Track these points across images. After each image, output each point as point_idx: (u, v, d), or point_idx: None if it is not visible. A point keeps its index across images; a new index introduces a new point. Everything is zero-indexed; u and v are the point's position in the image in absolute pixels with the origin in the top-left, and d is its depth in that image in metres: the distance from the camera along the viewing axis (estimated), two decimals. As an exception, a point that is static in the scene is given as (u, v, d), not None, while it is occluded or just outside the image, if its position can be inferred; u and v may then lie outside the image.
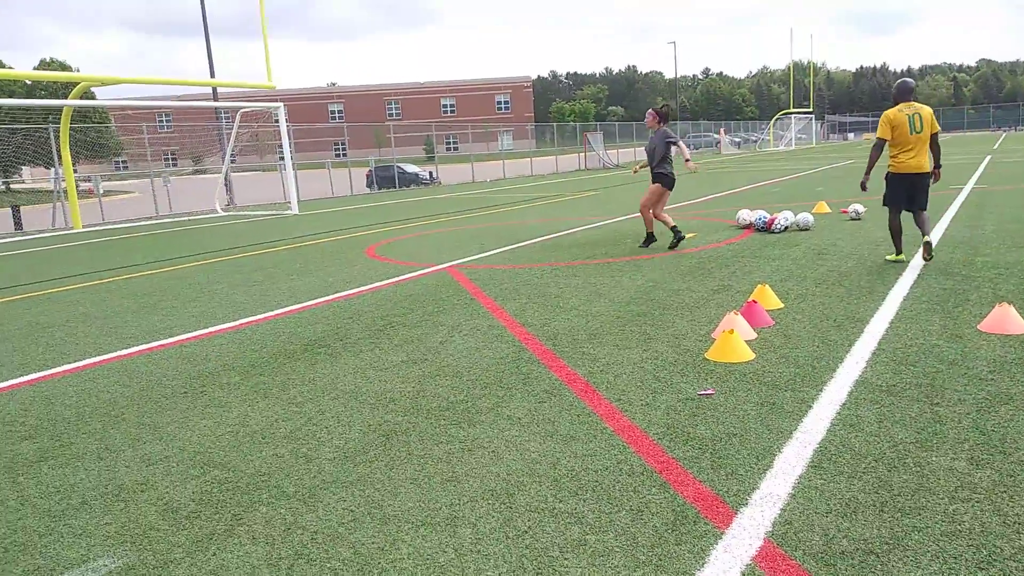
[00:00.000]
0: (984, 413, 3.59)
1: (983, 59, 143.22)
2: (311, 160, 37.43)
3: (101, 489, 3.37)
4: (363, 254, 10.87)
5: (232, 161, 22.81)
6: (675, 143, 9.54)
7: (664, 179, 9.66)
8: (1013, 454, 3.15)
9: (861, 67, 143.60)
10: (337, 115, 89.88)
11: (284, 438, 3.84)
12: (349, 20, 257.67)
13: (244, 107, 21.24)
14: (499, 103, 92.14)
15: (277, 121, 20.94)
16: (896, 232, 7.52)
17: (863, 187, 7.77)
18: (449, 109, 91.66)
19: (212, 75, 24.62)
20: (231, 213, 22.21)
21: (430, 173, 36.37)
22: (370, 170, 34.63)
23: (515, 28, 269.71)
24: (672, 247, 9.28)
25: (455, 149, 67.68)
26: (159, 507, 3.16)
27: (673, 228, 9.37)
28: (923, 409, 3.69)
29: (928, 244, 7.20)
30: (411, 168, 36.37)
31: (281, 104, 20.52)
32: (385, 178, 34.19)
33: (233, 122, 22.89)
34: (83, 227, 19.07)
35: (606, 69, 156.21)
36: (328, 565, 2.63)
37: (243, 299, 7.76)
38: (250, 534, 2.88)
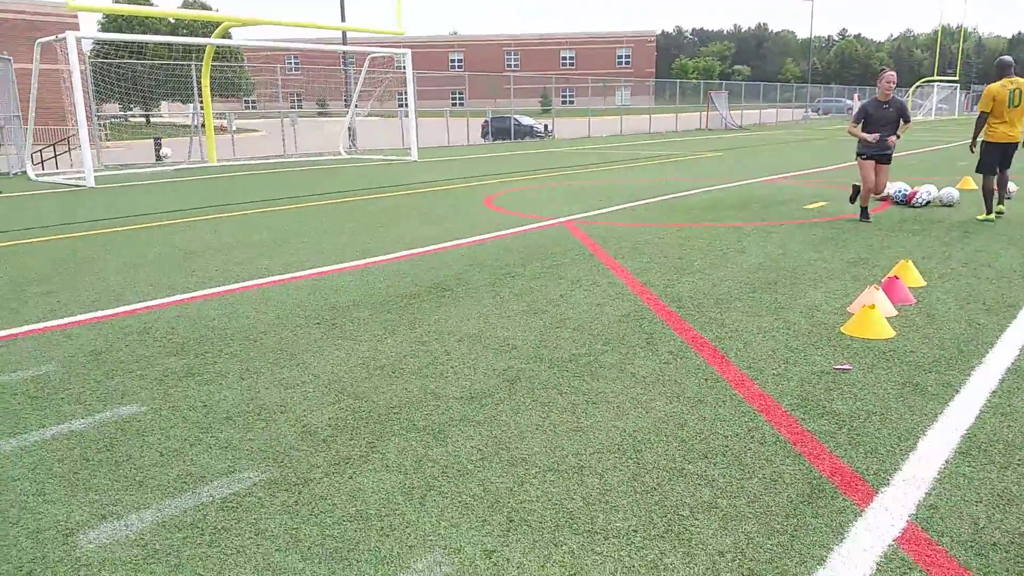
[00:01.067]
0: None
1: None
2: (429, 108, 37.91)
3: (243, 407, 3.58)
4: (481, 203, 10.96)
5: (358, 106, 23.38)
6: (907, 120, 8.36)
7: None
8: None
9: (1020, 33, 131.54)
10: (457, 64, 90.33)
11: (412, 374, 3.95)
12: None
13: (373, 52, 21.62)
14: (620, 57, 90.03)
15: (401, 67, 21.20)
16: (988, 194, 8.56)
17: (971, 150, 8.79)
18: (568, 62, 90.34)
19: (343, 19, 25.14)
20: (354, 156, 22.84)
21: (545, 126, 36.13)
22: (486, 120, 34.71)
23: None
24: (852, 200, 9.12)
25: (571, 103, 66.86)
26: (297, 428, 3.33)
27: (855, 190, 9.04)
28: (1088, 405, 3.41)
29: (1000, 212, 8.74)
30: (527, 120, 36.20)
31: (408, 51, 20.76)
32: (500, 129, 34.22)
33: (358, 67, 23.37)
34: (217, 161, 20.08)
35: (734, 26, 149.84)
36: (459, 499, 2.70)
37: (368, 239, 7.99)
38: (383, 462, 2.99)
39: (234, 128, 25.09)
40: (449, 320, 4.92)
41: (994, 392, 3.59)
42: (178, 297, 5.66)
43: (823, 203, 10.15)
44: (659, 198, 11.11)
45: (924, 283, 5.62)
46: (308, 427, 3.34)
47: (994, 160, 8.44)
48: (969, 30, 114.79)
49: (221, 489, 2.80)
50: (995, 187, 8.55)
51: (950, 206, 9.72)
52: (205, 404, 3.62)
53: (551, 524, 2.54)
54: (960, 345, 4.27)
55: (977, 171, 8.63)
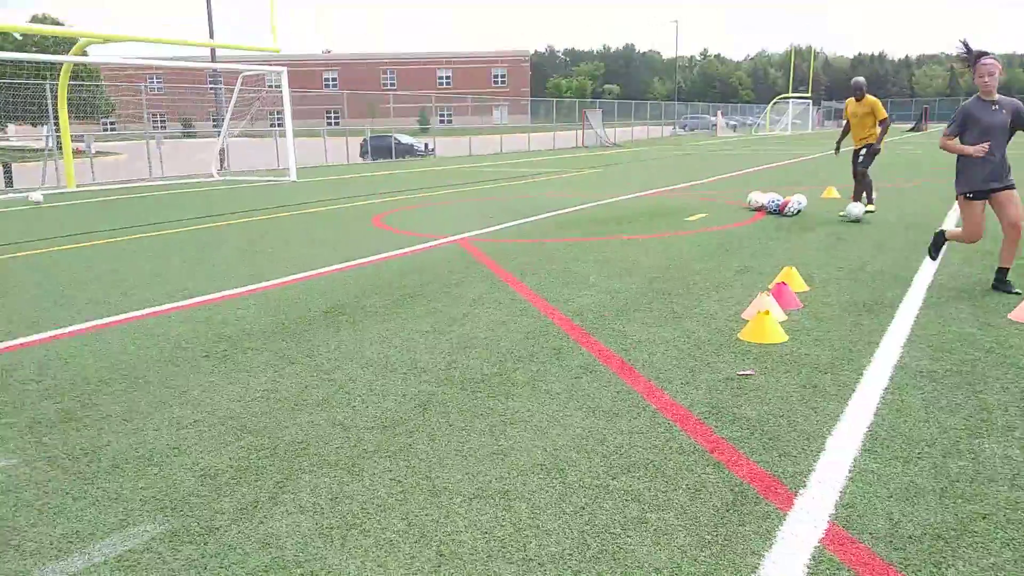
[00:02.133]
0: (1031, 402, 3.56)
1: (979, 50, 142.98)
2: (304, 127, 36.99)
3: (131, 453, 3.27)
4: (370, 223, 10.72)
5: (232, 126, 22.45)
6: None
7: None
8: (1069, 444, 3.11)
9: (859, 54, 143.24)
10: (331, 82, 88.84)
11: (317, 406, 3.75)
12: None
13: (246, 70, 20.87)
14: (496, 77, 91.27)
15: (274, 86, 20.55)
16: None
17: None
18: (446, 81, 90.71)
19: (211, 35, 24.16)
20: (227, 178, 21.90)
21: (426, 144, 36.05)
22: (365, 139, 34.23)
23: (514, 1, 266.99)
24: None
25: (450, 122, 67.10)
26: (196, 473, 3.07)
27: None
28: (968, 396, 3.65)
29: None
30: (407, 139, 36.02)
31: (284, 69, 20.16)
32: (380, 148, 33.83)
33: (228, 85, 22.50)
34: (76, 186, 18.74)
35: (604, 46, 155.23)
36: (383, 536, 2.55)
37: (253, 264, 7.62)
38: (296, 503, 2.80)
39: (93, 151, 23.52)
40: (350, 345, 4.73)
41: (886, 389, 3.78)
42: (46, 334, 5.17)
43: (704, 215, 10.57)
44: (548, 214, 11.24)
45: (808, 288, 5.91)
46: (207, 470, 3.08)
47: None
48: (817, 50, 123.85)
49: (114, 546, 2.53)
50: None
51: (857, 222, 9.72)
52: (87, 452, 3.29)
53: (483, 555, 2.44)
54: (848, 346, 4.49)
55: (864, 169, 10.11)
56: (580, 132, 44.84)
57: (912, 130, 58.03)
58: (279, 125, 24.23)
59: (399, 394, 3.87)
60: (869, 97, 9.84)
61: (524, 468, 3.02)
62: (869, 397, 3.68)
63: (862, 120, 9.92)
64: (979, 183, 5.58)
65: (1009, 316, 4.97)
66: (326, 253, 8.15)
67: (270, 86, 25.32)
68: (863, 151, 10.00)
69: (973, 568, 2.31)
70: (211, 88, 26.98)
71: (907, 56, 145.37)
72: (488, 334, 4.89)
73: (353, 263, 7.51)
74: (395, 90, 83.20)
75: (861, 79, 10.16)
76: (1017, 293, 5.55)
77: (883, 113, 9.90)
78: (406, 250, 8.21)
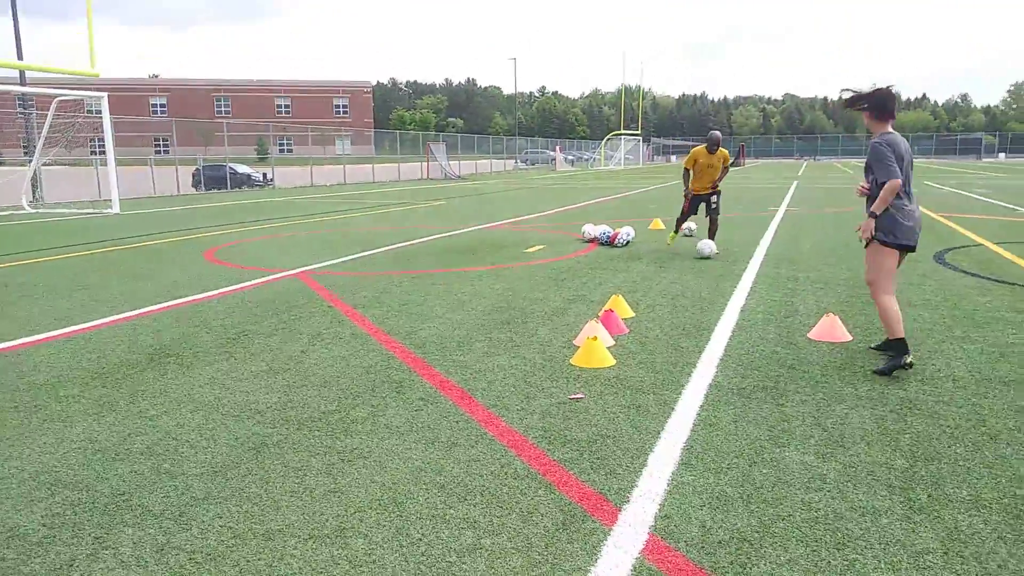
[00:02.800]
0: (823, 412, 3.99)
1: (788, 93, 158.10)
2: (129, 156, 34.79)
3: (-77, 517, 2.96)
4: (202, 257, 10.25)
5: (45, 153, 20.70)
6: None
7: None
8: (851, 448, 3.52)
9: (684, 95, 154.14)
10: (159, 109, 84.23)
11: (141, 454, 3.56)
12: (173, 5, 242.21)
13: (62, 95, 19.38)
14: (337, 107, 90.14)
15: (94, 112, 19.25)
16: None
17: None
18: (284, 109, 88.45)
19: (20, 57, 22.27)
20: (41, 210, 20.16)
21: (264, 174, 34.91)
22: (198, 168, 32.67)
23: (355, 32, 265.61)
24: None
25: (290, 151, 65.40)
26: (2, 533, 2.83)
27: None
28: (772, 409, 4.04)
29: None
30: (243, 168, 34.73)
31: (104, 94, 18.91)
32: (215, 178, 32.42)
33: (40, 110, 20.79)
34: None
35: (446, 80, 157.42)
36: (213, 585, 2.47)
37: (70, 304, 7.08)
38: (117, 558, 2.65)
39: None
40: (178, 389, 4.51)
41: (701, 406, 4.11)
42: None
43: (541, 246, 10.97)
44: (392, 246, 11.23)
45: (633, 313, 6.30)
46: (16, 530, 2.85)
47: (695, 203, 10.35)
48: (645, 90, 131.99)
49: (-101, 625, 2.29)
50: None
51: (708, 258, 10.22)
52: None
53: (319, 595, 2.42)
54: (669, 367, 4.83)
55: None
56: (425, 164, 45.12)
57: (732, 165, 62.85)
58: (100, 152, 22.67)
59: (231, 438, 3.75)
60: (722, 150, 10.18)
61: (362, 505, 3.02)
62: (686, 414, 3.98)
63: (714, 170, 10.17)
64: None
65: (808, 335, 5.54)
66: (153, 290, 7.72)
67: (89, 111, 23.70)
68: (714, 197, 10.21)
69: (773, 566, 2.57)
70: (21, 114, 24.79)
71: (725, 97, 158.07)
72: (327, 370, 4.83)
73: (182, 300, 7.16)
74: (230, 117, 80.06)
75: (717, 133, 10.47)
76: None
77: (729, 160, 10.40)
78: (241, 285, 7.93)
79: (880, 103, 4.57)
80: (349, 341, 5.56)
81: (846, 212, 16.52)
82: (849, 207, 17.86)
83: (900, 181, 4.46)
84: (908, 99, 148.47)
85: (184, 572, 2.55)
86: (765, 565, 2.57)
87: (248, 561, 2.62)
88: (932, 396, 4.21)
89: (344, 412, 4.07)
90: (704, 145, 10.14)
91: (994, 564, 2.55)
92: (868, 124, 4.65)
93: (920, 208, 4.47)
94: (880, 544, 2.69)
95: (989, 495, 3.05)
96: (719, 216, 10.34)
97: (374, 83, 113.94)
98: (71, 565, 2.61)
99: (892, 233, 4.54)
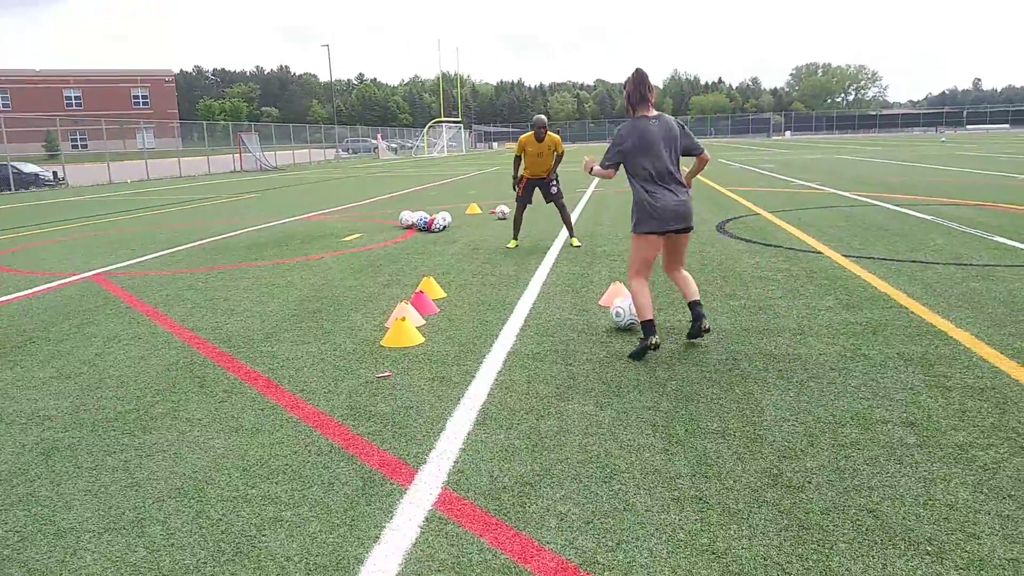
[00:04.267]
0: (605, 368, 4.43)
1: (599, 79, 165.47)
2: None
3: None
4: (-20, 266, 9.36)
5: None
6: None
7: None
8: (625, 396, 3.96)
9: (502, 81, 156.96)
10: (-82, 103, 74.22)
11: (-90, 472, 3.33)
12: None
13: None
14: (136, 98, 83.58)
15: None
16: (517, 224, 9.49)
17: (514, 188, 9.43)
18: (75, 101, 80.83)
19: None
20: None
21: (55, 173, 31.94)
22: (-27, 169, 29.32)
23: (151, 17, 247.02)
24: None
25: (84, 147, 60.02)
26: None
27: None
28: (561, 369, 4.43)
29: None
30: (29, 167, 31.58)
31: None
32: (-5, 179, 29.25)
33: None
34: None
35: (257, 68, 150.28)
36: (-4, 589, 2.43)
37: None
38: None
39: None
40: (-46, 402, 4.21)
41: (499, 371, 4.42)
42: None
43: (359, 235, 10.99)
44: (200, 242, 10.79)
45: (445, 294, 6.55)
46: None
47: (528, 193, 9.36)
48: (465, 77, 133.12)
49: None
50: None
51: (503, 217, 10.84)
52: None
53: (113, 582, 2.45)
54: (473, 340, 5.13)
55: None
56: (237, 156, 43.10)
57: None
58: None
59: (18, 446, 3.59)
60: (552, 135, 9.23)
61: (160, 495, 3.04)
62: (485, 380, 4.28)
63: (545, 157, 9.25)
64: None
65: (599, 302, 6.04)
66: (-80, 304, 6.99)
67: None
68: (553, 183, 9.36)
69: (549, 502, 2.89)
70: None
71: (541, 83, 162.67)
72: (125, 371, 4.69)
73: (-42, 312, 6.57)
74: (11, 112, 72.12)
75: (542, 117, 9.50)
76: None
77: (562, 148, 9.41)
78: (25, 292, 7.37)
79: (627, 95, 4.73)
80: (149, 340, 5.39)
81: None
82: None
83: (611, 170, 4.76)
84: (705, 83, 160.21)
85: (-36, 581, 2.48)
86: (543, 502, 2.89)
87: (37, 560, 2.59)
88: (699, 348, 4.78)
89: (143, 410, 4.00)
90: (531, 132, 9.23)
91: (731, 480, 3.02)
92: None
93: (686, 191, 4.68)
94: (641, 474, 3.09)
95: (735, 425, 3.56)
96: (564, 201, 9.43)
97: (177, 71, 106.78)
98: None
99: (640, 223, 4.68)
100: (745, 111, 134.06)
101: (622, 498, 2.90)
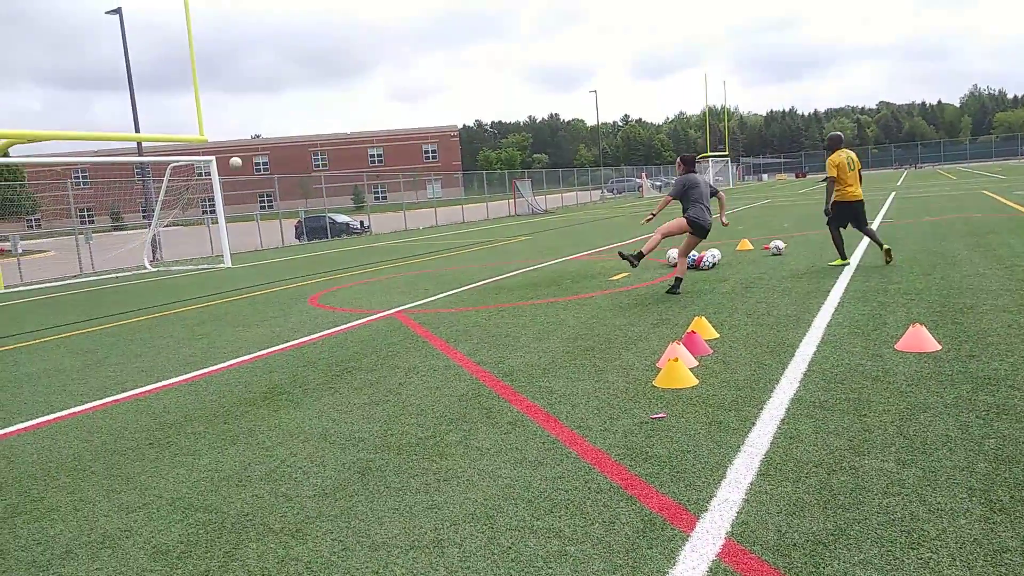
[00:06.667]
0: (906, 421, 4.01)
1: (882, 102, 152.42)
2: (237, 213, 37.06)
3: (84, 538, 3.42)
4: (306, 303, 10.93)
5: (160, 217, 22.46)
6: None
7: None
8: (933, 454, 3.54)
9: (771, 111, 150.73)
10: (262, 167, 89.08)
11: (261, 480, 3.96)
12: (273, 72, 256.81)
13: (175, 161, 21.04)
14: (426, 152, 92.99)
15: (204, 174, 20.77)
16: (839, 243, 9.95)
17: (826, 213, 9.94)
18: (377, 159, 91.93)
19: (137, 129, 24.30)
20: (160, 268, 21.78)
21: (361, 222, 36.44)
22: (300, 220, 34.46)
23: (439, 79, 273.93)
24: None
25: (384, 198, 67.81)
26: (147, 551, 3.24)
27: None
28: (853, 420, 4.09)
29: (888, 250, 9.66)
30: (342, 218, 36.38)
31: (213, 158, 20.42)
32: (316, 228, 34.10)
33: (155, 176, 22.57)
34: (4, 287, 18.40)
35: (529, 117, 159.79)
36: (327, 589, 2.78)
37: (191, 351, 7.75)
38: (245, 568, 3.01)
39: (20, 250, 23.14)
40: (290, 422, 4.94)
41: (783, 420, 4.19)
42: (-17, 437, 5.22)
43: (626, 274, 11.12)
44: (481, 282, 11.64)
45: (718, 335, 6.38)
46: (159, 547, 3.26)
47: (846, 216, 9.73)
48: (731, 110, 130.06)
49: (72, 624, 2.69)
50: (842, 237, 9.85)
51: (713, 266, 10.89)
52: (39, 541, 3.42)
53: (419, 596, 2.69)
54: (751, 384, 4.92)
55: (828, 224, 9.90)
56: (512, 201, 45.93)
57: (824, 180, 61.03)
58: (211, 212, 24.29)
59: (339, 463, 4.11)
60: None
61: (456, 519, 3.29)
62: (767, 428, 4.08)
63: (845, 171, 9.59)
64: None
65: (896, 346, 5.50)
66: (264, 336, 8.33)
67: (199, 174, 25.47)
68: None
69: (847, 565, 2.67)
70: (139, 180, 26.96)
71: (815, 110, 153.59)
72: (422, 400, 5.17)
73: (291, 343, 7.72)
74: (327, 170, 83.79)
75: (838, 134, 10.06)
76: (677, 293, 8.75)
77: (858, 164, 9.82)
78: (343, 327, 8.45)
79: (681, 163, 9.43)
80: (442, 372, 5.90)
81: (942, 220, 15.89)
82: (948, 215, 17.16)
83: (672, 197, 9.17)
84: (1014, 96, 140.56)
85: (302, 579, 2.88)
86: (839, 564, 2.67)
87: (356, 569, 2.92)
88: (1022, 402, 4.15)
89: (439, 437, 4.38)
90: (837, 148, 9.69)
91: (1075, 560, 2.57)
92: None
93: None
94: (956, 543, 2.74)
95: (1077, 495, 3.03)
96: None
97: (460, 126, 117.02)
98: (207, 575, 2.98)
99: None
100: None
101: (934, 568, 2.59)
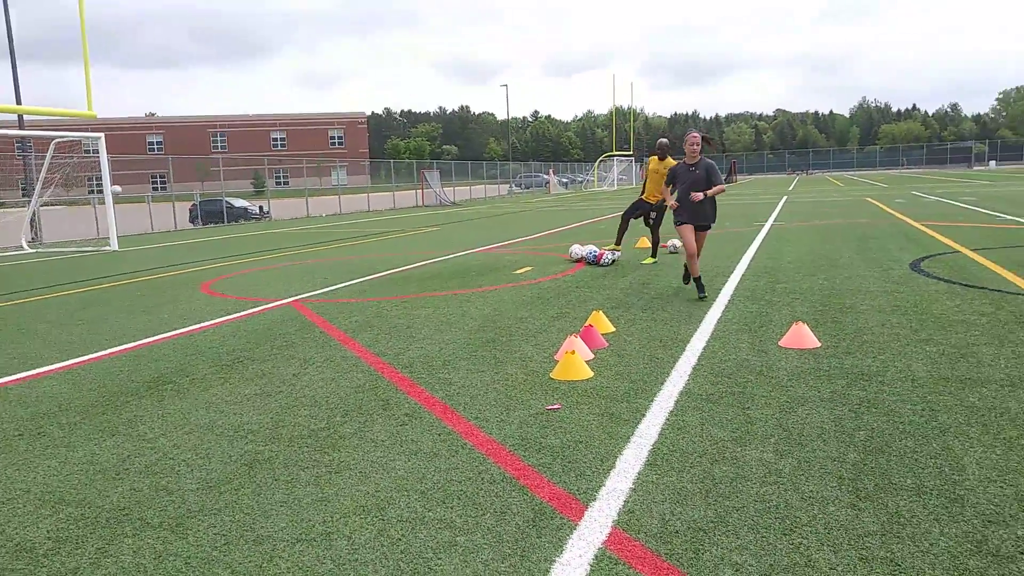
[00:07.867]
0: (786, 413, 4.21)
1: (779, 109, 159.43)
2: (127, 194, 35.23)
3: (-63, 537, 3.18)
4: (198, 290, 10.50)
5: (43, 195, 21.06)
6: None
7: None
8: (808, 445, 3.74)
9: (675, 114, 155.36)
10: (156, 146, 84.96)
11: (140, 473, 3.78)
12: (173, 49, 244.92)
13: (59, 136, 19.76)
14: (333, 138, 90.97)
15: (91, 152, 19.61)
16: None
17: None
18: (280, 143, 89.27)
19: (19, 101, 22.69)
20: (39, 250, 20.45)
21: (260, 207, 35.34)
22: (194, 204, 33.07)
23: (348, 65, 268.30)
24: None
25: (286, 184, 65.93)
26: (9, 548, 3.04)
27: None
28: (737, 413, 4.26)
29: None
30: (240, 202, 35.19)
31: (101, 135, 19.30)
32: (212, 212, 32.82)
33: (39, 152, 21.19)
34: None
35: (440, 108, 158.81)
36: (207, 585, 2.68)
37: (71, 338, 7.32)
38: (118, 565, 2.86)
39: None
40: (175, 414, 4.74)
41: (671, 412, 4.33)
42: None
43: (529, 268, 11.23)
44: (384, 273, 11.49)
45: (614, 329, 6.53)
46: (22, 544, 3.06)
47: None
48: (637, 111, 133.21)
49: (-81, 629, 2.50)
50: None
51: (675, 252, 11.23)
52: None
53: (304, 590, 2.63)
54: (644, 377, 5.06)
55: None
56: (420, 192, 45.55)
57: (725, 181, 63.39)
58: (99, 192, 23.01)
59: (225, 455, 3.97)
60: (670, 159, 10.74)
61: (347, 511, 3.24)
62: (656, 420, 4.20)
63: (662, 178, 10.69)
64: (688, 218, 7.99)
65: (779, 343, 5.77)
66: (150, 323, 7.95)
67: (87, 151, 24.09)
68: (653, 209, 11.12)
69: (724, 551, 2.78)
70: (20, 156, 25.19)
71: (717, 115, 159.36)
72: (317, 391, 5.06)
73: (179, 331, 7.40)
74: (226, 152, 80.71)
75: (664, 140, 11.28)
76: (703, 297, 7.91)
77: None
78: (236, 315, 8.17)
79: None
80: (339, 363, 5.79)
81: (830, 224, 16.80)
82: (835, 220, 18.14)
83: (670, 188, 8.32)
84: (898, 110, 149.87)
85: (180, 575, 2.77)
86: (717, 551, 2.78)
87: (239, 563, 2.83)
88: (891, 396, 4.44)
89: (333, 429, 4.29)
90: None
91: (927, 543, 2.77)
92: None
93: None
94: (825, 528, 2.90)
95: (932, 483, 3.26)
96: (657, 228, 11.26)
97: (369, 114, 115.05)
98: (75, 573, 2.82)
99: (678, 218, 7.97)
100: (943, 139, 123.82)
101: (803, 553, 2.73)
